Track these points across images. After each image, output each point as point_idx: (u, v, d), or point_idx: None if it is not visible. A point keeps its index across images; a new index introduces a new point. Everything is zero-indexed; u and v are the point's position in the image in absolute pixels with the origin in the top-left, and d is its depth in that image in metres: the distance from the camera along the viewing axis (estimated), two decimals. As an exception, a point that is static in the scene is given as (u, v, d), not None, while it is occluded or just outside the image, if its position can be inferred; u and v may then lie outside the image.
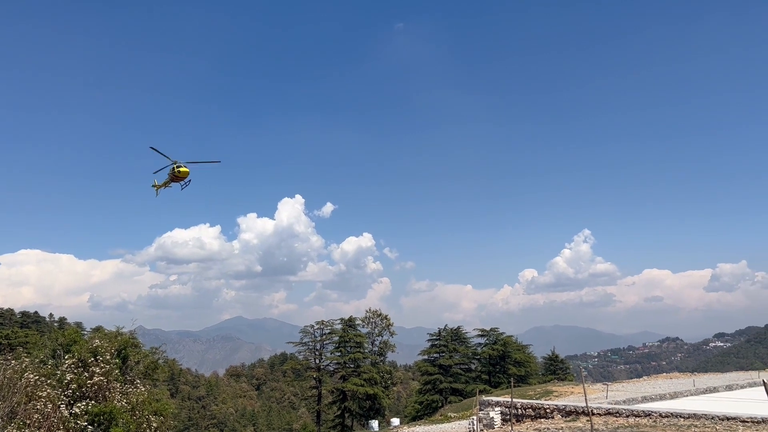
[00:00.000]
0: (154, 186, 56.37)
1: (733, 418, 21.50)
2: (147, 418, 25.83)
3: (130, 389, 26.78)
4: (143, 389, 27.43)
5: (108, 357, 26.34)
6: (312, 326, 79.77)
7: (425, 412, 71.18)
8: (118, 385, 26.21)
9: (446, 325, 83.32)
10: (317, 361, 78.45)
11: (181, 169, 50.97)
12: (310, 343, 78.85)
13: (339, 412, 75.99)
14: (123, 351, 28.43)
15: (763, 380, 10.95)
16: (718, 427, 20.59)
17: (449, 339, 79.99)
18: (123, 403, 25.20)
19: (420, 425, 41.27)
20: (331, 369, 78.89)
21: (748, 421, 20.89)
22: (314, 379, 78.65)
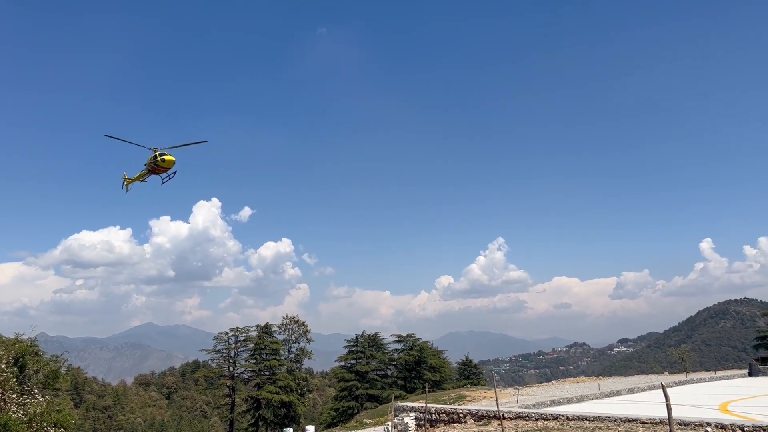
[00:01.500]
0: (123, 180, 48.23)
1: (634, 420, 22.56)
2: (46, 430, 24.46)
3: (28, 399, 25.30)
4: (42, 399, 25.98)
5: (4, 366, 24.79)
6: (226, 333, 77.89)
7: (341, 419, 70.85)
8: (14, 396, 24.69)
9: (363, 332, 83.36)
10: (231, 368, 76.64)
11: (166, 158, 42.60)
12: (224, 351, 76.95)
13: (253, 421, 74.53)
14: (21, 359, 26.81)
15: (661, 383, 11.56)
16: (620, 429, 21.54)
17: (366, 345, 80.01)
18: (19, 415, 23.75)
19: (335, 432, 41.08)
20: (246, 377, 77.28)
21: (647, 423, 21.98)
22: (228, 387, 76.79)
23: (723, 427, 19.92)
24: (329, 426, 66.71)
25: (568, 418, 24.36)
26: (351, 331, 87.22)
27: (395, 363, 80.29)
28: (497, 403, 20.11)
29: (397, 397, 59.65)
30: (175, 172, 44.20)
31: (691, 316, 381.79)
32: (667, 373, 68.08)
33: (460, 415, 28.38)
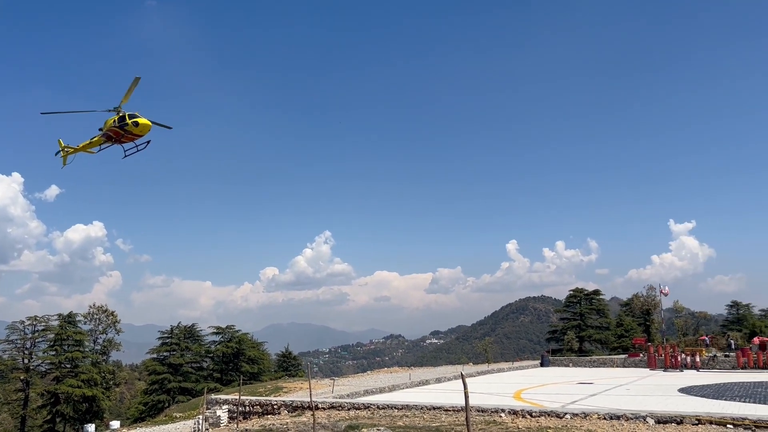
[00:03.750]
0: (60, 148, 36.30)
1: (438, 408, 23.97)
2: None
3: None
4: None
5: None
6: (22, 322, 70.72)
7: (150, 413, 67.70)
8: None
9: (180, 323, 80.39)
10: (26, 361, 69.84)
11: (140, 121, 32.23)
12: (19, 341, 69.89)
13: (49, 417, 68.54)
14: None
15: (461, 373, 12.45)
16: (425, 416, 22.77)
17: (182, 337, 77.20)
18: None
19: (141, 427, 39.09)
20: (44, 369, 70.91)
21: (450, 410, 23.47)
22: (21, 380, 69.89)
23: (515, 412, 21.81)
24: (136, 421, 63.41)
25: (378, 407, 25.28)
26: (167, 322, 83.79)
27: (212, 355, 78.40)
28: (310, 394, 20.45)
29: (211, 390, 58.23)
30: (148, 142, 33.63)
31: (496, 311, 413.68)
32: (471, 363, 73.11)
33: (275, 406, 28.33)
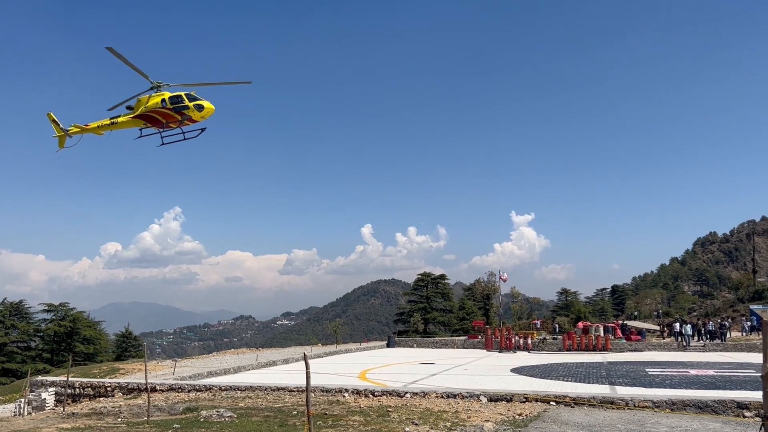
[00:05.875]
0: (57, 127, 29.46)
1: (283, 389, 23.83)
2: None
3: None
4: None
5: None
6: None
7: (-36, 397, 61.48)
8: None
9: (5, 299, 73.43)
10: None
11: (205, 105, 26.78)
12: None
13: None
14: None
15: (304, 353, 12.39)
16: (269, 397, 22.53)
17: (7, 314, 70.61)
18: None
19: (-48, 413, 35.28)
20: None
21: (294, 390, 23.43)
22: None
23: (358, 392, 22.18)
24: (-53, 406, 57.35)
25: (221, 388, 24.67)
26: (-10, 298, 75.76)
27: (42, 334, 72.56)
28: (146, 376, 19.47)
29: (39, 371, 53.99)
30: (203, 130, 28.01)
31: (348, 293, 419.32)
32: (321, 344, 73.54)
33: (108, 388, 26.74)
